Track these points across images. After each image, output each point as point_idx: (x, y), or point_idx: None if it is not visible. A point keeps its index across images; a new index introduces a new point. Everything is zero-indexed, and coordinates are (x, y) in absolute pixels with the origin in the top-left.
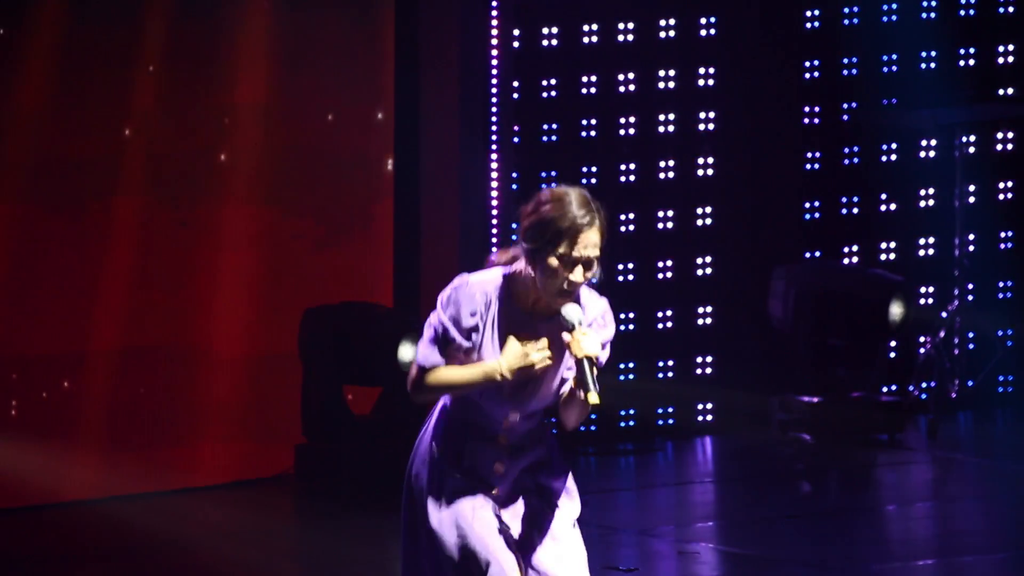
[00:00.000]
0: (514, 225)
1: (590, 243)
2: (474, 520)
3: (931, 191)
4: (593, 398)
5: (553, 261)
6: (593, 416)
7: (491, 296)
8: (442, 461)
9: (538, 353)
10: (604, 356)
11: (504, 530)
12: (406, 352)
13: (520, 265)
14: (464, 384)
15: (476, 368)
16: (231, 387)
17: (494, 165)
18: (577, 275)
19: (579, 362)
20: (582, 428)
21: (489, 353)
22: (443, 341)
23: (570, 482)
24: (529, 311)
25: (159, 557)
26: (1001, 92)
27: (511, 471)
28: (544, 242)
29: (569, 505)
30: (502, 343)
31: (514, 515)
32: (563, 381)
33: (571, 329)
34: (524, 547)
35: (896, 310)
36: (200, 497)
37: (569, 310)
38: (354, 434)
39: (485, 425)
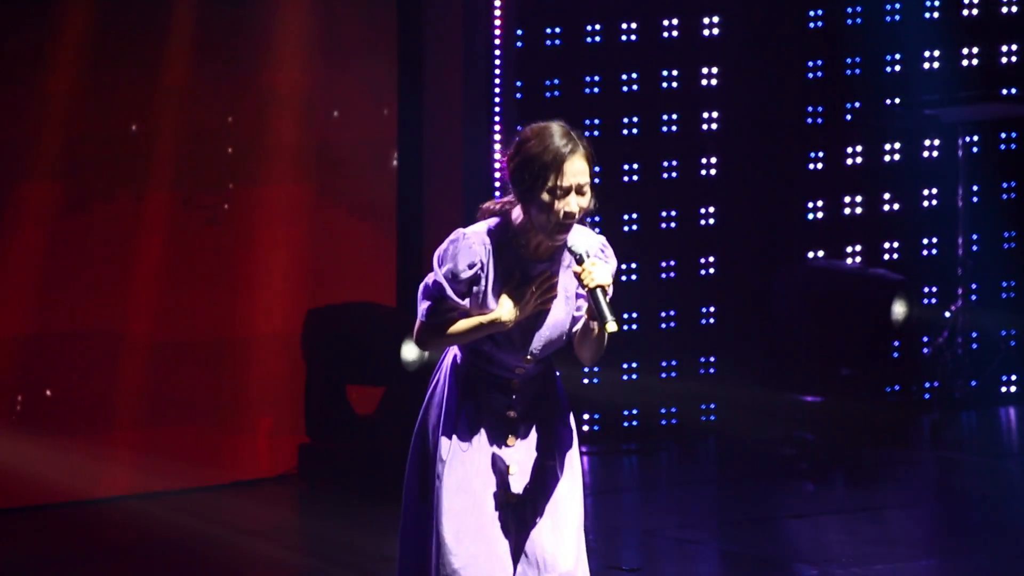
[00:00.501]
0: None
1: (577, 171)
2: (474, 506)
3: (934, 191)
4: (611, 327)
5: (545, 196)
6: (597, 415)
7: (489, 246)
8: (458, 415)
9: (537, 295)
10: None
11: (504, 516)
12: (409, 351)
13: (515, 212)
14: (472, 332)
15: (479, 319)
16: (233, 387)
17: (497, 165)
18: (571, 204)
19: (592, 292)
20: (585, 428)
21: (493, 303)
22: (439, 298)
23: (567, 410)
24: (530, 255)
25: (162, 556)
26: (1004, 92)
27: (523, 416)
28: (532, 180)
29: (571, 443)
30: (504, 290)
31: (522, 468)
32: (574, 320)
33: (580, 261)
34: (525, 510)
35: (898, 309)
36: (204, 496)
37: (576, 242)
38: (357, 433)
39: (498, 374)
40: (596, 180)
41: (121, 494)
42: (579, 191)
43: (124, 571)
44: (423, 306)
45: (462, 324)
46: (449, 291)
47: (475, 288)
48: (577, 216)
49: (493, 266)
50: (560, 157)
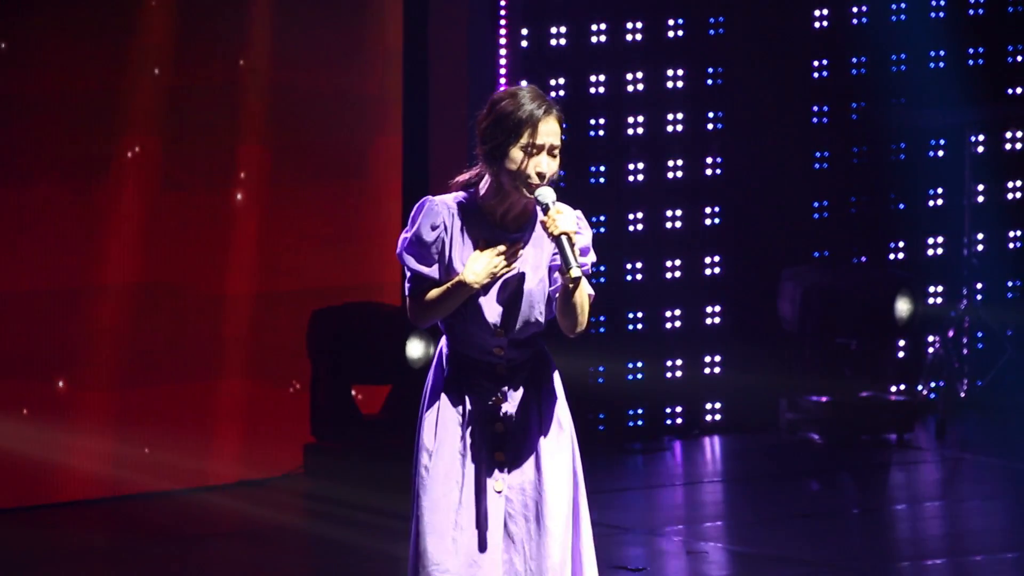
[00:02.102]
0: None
1: (550, 131)
2: (460, 497)
3: (940, 190)
4: (575, 272)
5: (516, 153)
6: (602, 415)
7: (455, 211)
8: (443, 403)
9: (501, 257)
10: (590, 259)
11: (490, 505)
12: (414, 348)
13: (483, 182)
14: (443, 299)
15: (447, 284)
16: (236, 386)
17: None
18: (542, 164)
19: (557, 240)
20: (590, 427)
21: (459, 267)
22: (411, 270)
23: (563, 410)
24: (497, 224)
25: (166, 555)
26: (1010, 92)
27: (512, 401)
28: (505, 136)
29: (563, 432)
30: (471, 255)
31: (510, 455)
32: (550, 299)
33: (546, 209)
34: (513, 497)
35: (903, 307)
36: (207, 496)
37: (542, 192)
38: (363, 433)
39: (481, 358)
40: (602, 180)
41: (122, 494)
42: (551, 152)
43: (128, 571)
44: (407, 281)
45: (434, 292)
46: (412, 262)
47: (439, 251)
48: (546, 178)
49: (459, 232)
50: (535, 116)
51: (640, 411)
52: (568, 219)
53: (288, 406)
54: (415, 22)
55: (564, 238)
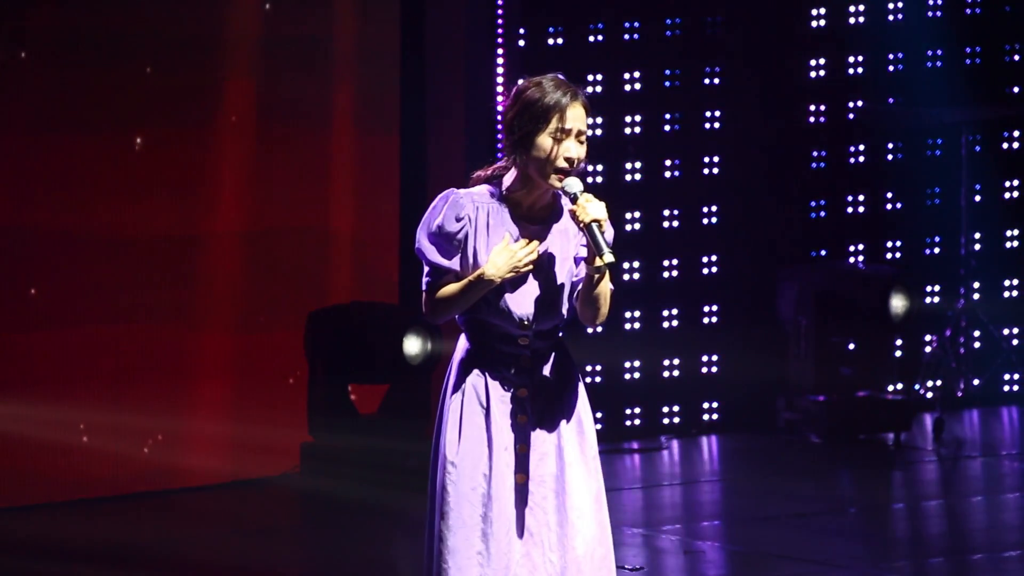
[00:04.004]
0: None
1: (577, 117)
2: (482, 500)
3: (937, 190)
4: (608, 257)
5: (545, 140)
6: (599, 414)
7: (479, 203)
8: (466, 399)
9: (525, 251)
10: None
11: (515, 499)
12: (412, 345)
13: (507, 176)
14: (462, 294)
15: (468, 278)
16: (235, 386)
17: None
18: (571, 149)
19: (588, 227)
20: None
21: (483, 261)
22: (432, 264)
23: (584, 404)
24: (523, 217)
25: (162, 555)
26: (1008, 91)
27: (535, 395)
28: (533, 124)
29: (586, 423)
30: (493, 249)
31: (533, 447)
32: (574, 289)
33: (574, 199)
34: (536, 490)
35: (898, 303)
36: (205, 496)
37: (569, 182)
38: (360, 432)
39: (505, 349)
40: (599, 179)
41: (121, 493)
42: (578, 138)
43: (123, 571)
44: (426, 275)
45: (455, 286)
46: (434, 254)
47: (462, 243)
48: (575, 164)
49: (484, 225)
50: (562, 102)
51: (637, 410)
52: (598, 207)
53: (285, 404)
54: (412, 23)
55: (595, 225)
